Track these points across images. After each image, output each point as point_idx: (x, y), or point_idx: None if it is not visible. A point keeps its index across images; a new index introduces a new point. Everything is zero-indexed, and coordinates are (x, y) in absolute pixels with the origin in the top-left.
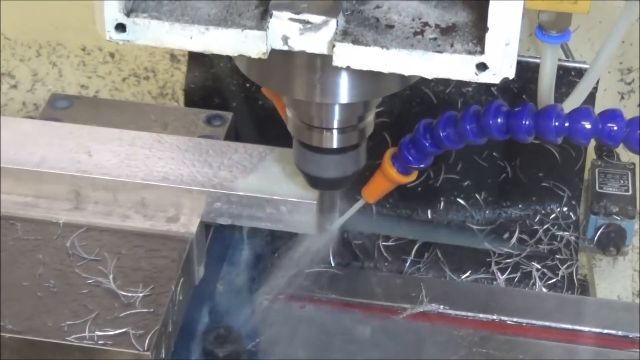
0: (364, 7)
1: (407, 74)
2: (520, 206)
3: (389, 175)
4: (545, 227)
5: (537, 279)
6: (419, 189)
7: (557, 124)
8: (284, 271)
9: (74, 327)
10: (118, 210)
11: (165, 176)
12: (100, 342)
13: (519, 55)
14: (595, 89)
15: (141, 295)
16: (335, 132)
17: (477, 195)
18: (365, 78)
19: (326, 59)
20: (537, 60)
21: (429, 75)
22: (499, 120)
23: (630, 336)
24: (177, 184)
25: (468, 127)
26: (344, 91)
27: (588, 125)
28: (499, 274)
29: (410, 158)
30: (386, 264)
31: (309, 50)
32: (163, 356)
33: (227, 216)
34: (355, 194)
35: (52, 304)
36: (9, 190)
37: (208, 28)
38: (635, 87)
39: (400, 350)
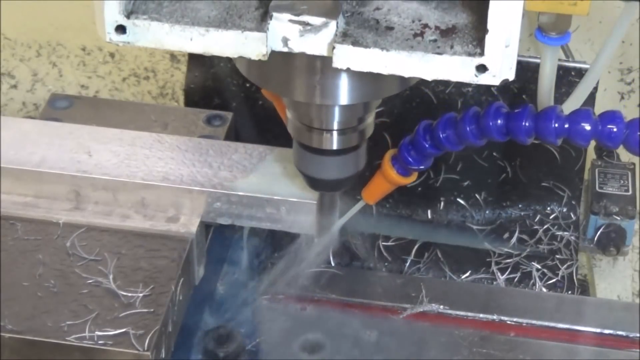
0: (364, 8)
1: (407, 75)
2: (520, 206)
3: (389, 177)
4: (545, 227)
5: (537, 279)
6: (419, 189)
7: (556, 125)
8: (284, 271)
9: (74, 327)
10: (118, 210)
11: (165, 176)
12: (100, 342)
13: (519, 55)
14: (595, 89)
15: (141, 295)
16: (335, 133)
17: (477, 195)
18: (365, 79)
19: (326, 60)
20: (537, 60)
21: (429, 77)
22: (499, 121)
23: (630, 336)
24: (177, 184)
25: (468, 128)
26: (343, 93)
27: (588, 127)
28: (499, 274)
29: (410, 159)
30: (386, 264)
31: (309, 51)
32: (163, 356)
33: (227, 216)
34: (355, 194)
35: (52, 304)
36: (9, 190)
37: (208, 30)
38: (635, 87)
39: (400, 350)
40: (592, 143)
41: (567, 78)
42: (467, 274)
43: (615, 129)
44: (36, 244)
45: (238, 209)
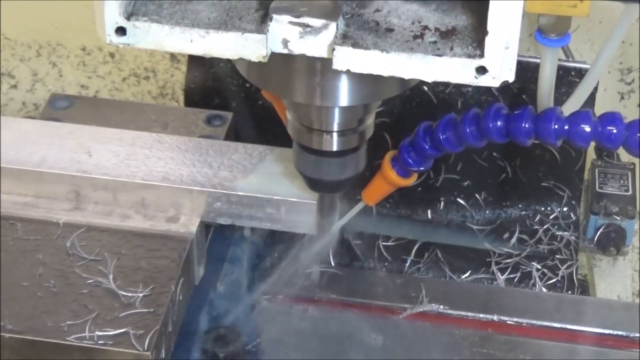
0: (364, 10)
1: (406, 77)
2: (520, 206)
3: (389, 178)
4: (545, 227)
5: (537, 279)
6: (419, 189)
7: (556, 127)
8: (284, 272)
9: (74, 327)
10: (118, 210)
11: (165, 176)
12: (100, 342)
13: (519, 55)
14: (595, 89)
15: (141, 295)
16: (335, 135)
17: (477, 195)
18: (365, 81)
19: (326, 62)
20: (537, 60)
21: (429, 78)
22: (499, 123)
23: (630, 336)
24: (177, 184)
25: (468, 130)
26: (343, 94)
27: (587, 129)
28: (499, 274)
29: (410, 161)
30: (386, 264)
31: (309, 53)
32: (163, 356)
33: (227, 216)
34: (355, 194)
35: (52, 304)
36: (9, 190)
37: (208, 31)
38: (635, 87)
39: (400, 350)
40: (592, 143)
41: (567, 78)
42: (467, 274)
43: (615, 131)
44: (36, 244)
45: (238, 209)
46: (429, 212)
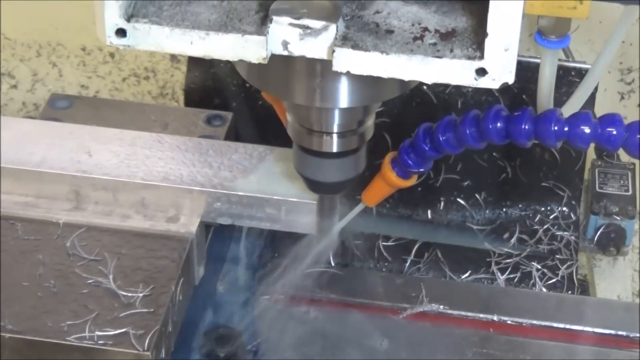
0: (364, 12)
1: (406, 79)
2: (520, 206)
3: (389, 180)
4: (545, 227)
5: (537, 279)
6: (419, 189)
7: (556, 128)
8: (284, 272)
9: (74, 327)
10: (118, 210)
11: (165, 176)
12: (100, 342)
13: (518, 55)
14: (595, 89)
15: (141, 295)
16: (335, 136)
17: (477, 195)
18: (365, 83)
19: (326, 64)
20: (537, 60)
21: (429, 80)
22: (499, 124)
23: (630, 336)
24: (177, 184)
25: (468, 131)
26: (343, 96)
27: (587, 130)
28: (499, 274)
29: (410, 162)
30: (386, 264)
31: (309, 55)
32: (163, 356)
33: (227, 216)
34: (355, 194)
35: (52, 304)
36: (9, 190)
37: (208, 33)
38: (635, 87)
39: (400, 350)
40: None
41: (567, 78)
42: (467, 274)
43: (614, 132)
44: (36, 244)
45: (238, 209)
46: (429, 212)
